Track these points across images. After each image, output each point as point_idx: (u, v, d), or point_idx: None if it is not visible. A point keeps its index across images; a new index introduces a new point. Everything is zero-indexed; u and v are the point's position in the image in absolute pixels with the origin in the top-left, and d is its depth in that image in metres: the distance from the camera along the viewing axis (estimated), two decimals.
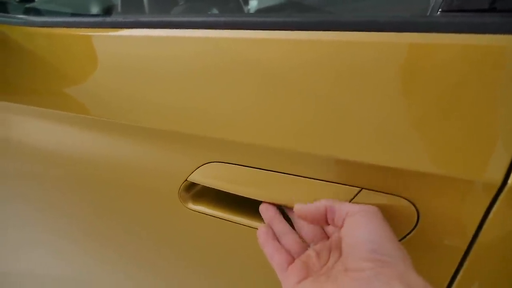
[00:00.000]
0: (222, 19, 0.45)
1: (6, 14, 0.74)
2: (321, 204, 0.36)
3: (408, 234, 0.37)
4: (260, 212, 0.44)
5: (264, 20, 0.41)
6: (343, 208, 0.34)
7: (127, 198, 0.55)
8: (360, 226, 0.31)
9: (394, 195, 0.37)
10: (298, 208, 0.37)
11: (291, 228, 0.42)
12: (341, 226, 0.33)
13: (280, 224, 0.42)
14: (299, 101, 0.38)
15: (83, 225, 0.65)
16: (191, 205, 0.50)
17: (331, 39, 0.36)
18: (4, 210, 0.83)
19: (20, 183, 0.74)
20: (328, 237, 0.40)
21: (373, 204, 0.38)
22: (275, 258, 0.38)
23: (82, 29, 0.59)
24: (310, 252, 0.38)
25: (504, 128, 0.31)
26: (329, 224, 0.36)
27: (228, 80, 0.41)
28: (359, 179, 0.38)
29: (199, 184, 0.49)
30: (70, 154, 0.59)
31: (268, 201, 0.44)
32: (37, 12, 0.97)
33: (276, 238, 0.41)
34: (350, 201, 0.38)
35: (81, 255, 0.71)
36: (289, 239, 0.41)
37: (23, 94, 0.64)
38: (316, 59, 0.36)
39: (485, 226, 0.34)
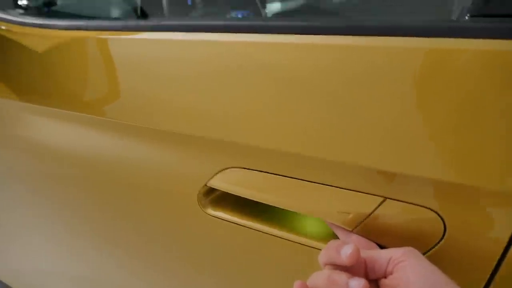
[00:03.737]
0: (244, 22, 0.45)
1: (26, 16, 0.75)
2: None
3: (433, 246, 0.36)
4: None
5: (285, 24, 0.41)
6: (384, 256, 0.32)
7: (145, 202, 0.55)
8: (412, 273, 0.29)
9: (419, 205, 0.36)
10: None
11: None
12: (385, 275, 0.32)
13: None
14: (323, 107, 0.37)
15: (100, 227, 0.65)
16: (210, 210, 0.49)
17: (355, 44, 0.35)
18: (26, 208, 0.84)
19: (38, 184, 0.75)
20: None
21: (397, 215, 0.37)
22: None
23: (102, 32, 0.59)
24: None
25: None
26: (367, 278, 0.33)
27: (249, 84, 0.41)
28: (382, 188, 0.37)
29: (218, 190, 0.49)
30: (89, 156, 0.60)
31: (290, 208, 0.43)
32: (59, 15, 0.99)
33: None
34: (373, 211, 0.37)
35: (97, 257, 0.71)
36: None
37: (46, 96, 0.65)
38: (341, 64, 0.36)
39: None
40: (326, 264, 0.34)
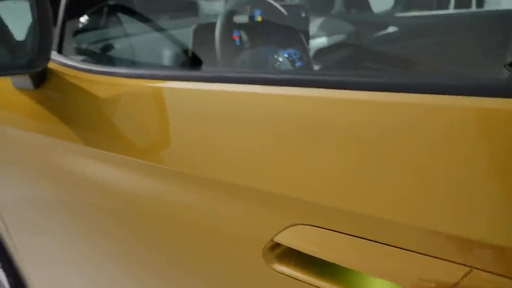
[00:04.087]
0: (314, 77, 0.45)
1: (88, 63, 0.80)
2: None
3: None
4: None
5: (357, 80, 0.41)
6: None
7: (210, 252, 0.56)
8: None
9: (510, 278, 0.34)
10: None
11: None
12: None
13: None
14: (399, 167, 0.36)
15: (161, 274, 0.66)
16: (276, 266, 0.49)
17: (420, 102, 0.35)
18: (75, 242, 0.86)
19: (95, 225, 0.77)
20: None
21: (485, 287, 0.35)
22: None
23: (166, 81, 0.62)
24: None
25: None
26: None
27: (320, 142, 0.41)
28: (470, 258, 0.35)
29: (284, 245, 0.48)
30: (152, 204, 0.61)
31: (364, 271, 0.42)
32: (116, 61, 1.05)
33: None
34: (458, 282, 0.36)
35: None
36: None
37: (111, 141, 0.68)
38: (417, 122, 0.35)
39: None
40: None
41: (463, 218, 0.34)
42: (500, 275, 0.34)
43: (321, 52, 1.56)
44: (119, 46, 1.03)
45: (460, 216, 0.34)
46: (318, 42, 1.62)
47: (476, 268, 0.35)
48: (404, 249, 0.39)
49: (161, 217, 0.61)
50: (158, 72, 0.66)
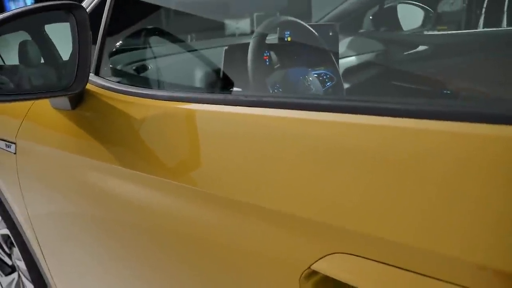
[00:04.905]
0: (355, 103, 0.45)
1: (122, 84, 0.82)
2: None
3: None
4: None
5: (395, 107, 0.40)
6: None
7: (245, 279, 0.55)
8: None
9: None
10: None
11: None
12: None
13: None
14: (446, 195, 0.35)
15: None
16: None
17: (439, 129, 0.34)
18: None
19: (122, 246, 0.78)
20: None
21: None
22: None
23: (198, 103, 0.62)
24: None
25: None
26: None
27: (358, 168, 0.40)
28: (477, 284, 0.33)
29: (321, 273, 0.47)
30: (186, 229, 0.61)
31: None
32: (151, 83, 1.07)
33: None
34: None
35: None
36: None
37: (140, 162, 0.69)
38: (458, 150, 0.34)
39: None
40: None
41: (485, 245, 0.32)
42: None
43: (350, 71, 1.55)
44: (154, 68, 1.06)
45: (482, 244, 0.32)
46: (348, 61, 1.61)
47: None
48: (451, 283, 0.37)
49: (194, 239, 0.60)
50: (191, 95, 0.67)
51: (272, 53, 1.22)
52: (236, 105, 0.57)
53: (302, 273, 0.47)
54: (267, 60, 1.20)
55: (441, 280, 0.37)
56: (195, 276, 0.63)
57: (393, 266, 0.40)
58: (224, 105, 0.59)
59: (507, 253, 0.33)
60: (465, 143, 0.35)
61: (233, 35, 1.49)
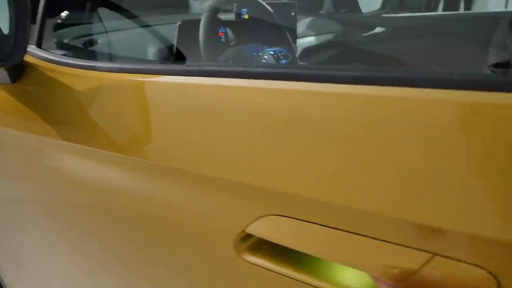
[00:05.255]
0: (294, 70, 0.45)
1: (69, 57, 0.79)
2: None
3: None
4: None
5: (333, 74, 0.41)
6: None
7: (181, 243, 0.55)
8: None
9: (472, 264, 0.34)
10: None
11: None
12: None
13: None
14: (368, 159, 0.37)
15: (133, 266, 0.65)
16: (247, 256, 0.49)
17: (410, 96, 0.35)
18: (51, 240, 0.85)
19: (69, 218, 0.76)
20: None
21: (446, 273, 0.35)
22: None
23: (147, 75, 0.61)
24: None
25: None
26: None
27: (290, 133, 0.41)
28: (432, 244, 0.35)
29: (255, 236, 0.48)
30: (125, 196, 0.61)
31: (331, 260, 0.42)
32: (99, 56, 1.04)
33: None
34: (420, 267, 0.36)
35: None
36: None
37: (87, 136, 0.67)
38: (395, 116, 0.35)
39: None
40: None
41: (426, 206, 0.34)
42: (462, 261, 0.34)
43: (308, 51, 1.57)
44: (103, 42, 1.03)
45: (423, 204, 0.34)
46: (306, 41, 1.62)
47: (439, 255, 0.35)
48: (371, 237, 0.39)
49: (139, 211, 0.60)
50: (140, 66, 0.66)
51: (228, 30, 1.22)
52: (182, 75, 0.56)
53: (237, 237, 0.48)
54: (222, 36, 1.20)
55: (365, 236, 0.39)
56: (138, 248, 0.63)
57: (322, 225, 0.42)
58: (170, 75, 0.59)
59: (416, 204, 0.35)
60: (379, 105, 0.37)
61: (194, 12, 1.46)
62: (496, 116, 0.31)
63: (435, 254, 0.35)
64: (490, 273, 0.33)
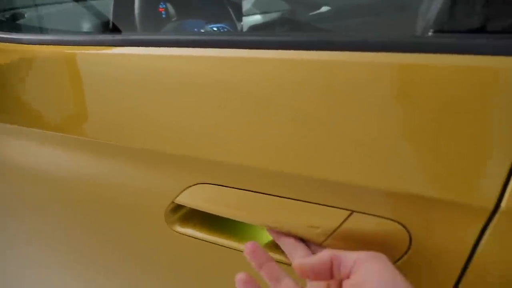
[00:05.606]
0: (215, 37, 0.44)
1: None
2: (325, 255, 0.32)
3: (400, 258, 0.36)
4: (246, 255, 0.39)
5: (257, 39, 0.40)
6: (350, 257, 0.31)
7: (112, 218, 0.54)
8: (375, 274, 0.29)
9: (386, 218, 0.36)
10: (300, 264, 0.32)
11: (284, 272, 0.38)
12: (347, 276, 0.31)
13: (271, 269, 0.38)
14: (288, 122, 0.37)
15: (67, 243, 0.63)
16: (178, 228, 0.48)
17: (321, 58, 0.35)
18: None
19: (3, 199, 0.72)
20: None
21: (364, 228, 0.37)
22: None
23: (71, 47, 0.58)
24: None
25: (496, 150, 0.30)
26: (332, 278, 0.32)
27: (217, 100, 0.41)
28: (349, 202, 0.37)
29: (185, 206, 0.48)
30: (54, 174, 0.58)
31: (258, 224, 0.42)
32: (26, 29, 0.97)
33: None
34: (341, 224, 0.37)
35: (64, 274, 0.69)
36: (284, 283, 0.37)
37: (13, 113, 0.63)
38: (306, 79, 0.35)
39: (478, 251, 0.33)
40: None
41: (344, 166, 0.35)
42: (377, 215, 0.36)
43: (255, 29, 1.55)
44: (31, 15, 0.96)
45: (341, 164, 0.35)
46: (252, 19, 1.60)
47: (356, 211, 0.37)
48: (293, 199, 0.39)
49: (72, 191, 0.57)
50: (64, 38, 0.62)
51: (169, 5, 1.18)
52: (106, 46, 0.54)
53: (167, 208, 0.47)
54: (163, 12, 1.16)
55: (284, 197, 0.40)
56: (73, 218, 0.60)
57: (246, 190, 0.42)
58: (91, 46, 0.55)
59: (331, 163, 0.35)
60: (294, 69, 0.37)
61: None
62: (403, 77, 0.32)
63: (352, 211, 0.37)
64: (402, 225, 0.35)
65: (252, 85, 0.38)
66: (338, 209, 0.37)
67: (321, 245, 0.38)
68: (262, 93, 0.38)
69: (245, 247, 0.39)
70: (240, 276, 0.37)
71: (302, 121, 0.36)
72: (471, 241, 0.33)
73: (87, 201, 0.56)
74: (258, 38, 0.39)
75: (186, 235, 0.48)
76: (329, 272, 0.32)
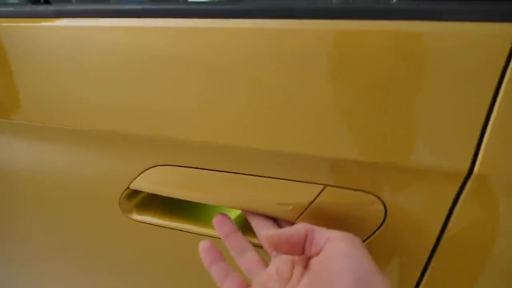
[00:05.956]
0: (162, 7, 0.40)
1: None
2: (300, 228, 0.30)
3: (376, 230, 0.35)
4: (213, 225, 0.38)
5: (202, 8, 0.37)
6: (324, 234, 0.30)
7: (65, 209, 0.48)
8: (345, 254, 0.27)
9: (359, 190, 0.35)
10: (275, 234, 0.30)
11: (250, 244, 0.37)
12: (318, 253, 0.29)
13: (236, 240, 0.37)
14: (244, 94, 0.34)
15: (19, 236, 0.56)
16: (135, 216, 0.44)
17: (271, 27, 0.32)
18: None
19: None
20: None
21: (338, 202, 0.35)
22: (225, 285, 0.33)
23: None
24: (271, 269, 0.33)
25: (467, 116, 0.29)
26: (303, 253, 0.31)
27: (167, 74, 0.36)
28: (320, 176, 0.35)
29: (142, 192, 0.44)
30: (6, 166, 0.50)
31: (223, 205, 0.39)
32: None
33: (222, 257, 0.35)
34: (314, 200, 0.35)
35: (17, 267, 0.61)
36: (248, 257, 0.36)
37: None
38: (258, 48, 0.33)
39: (452, 218, 0.33)
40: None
41: (312, 138, 0.33)
42: (351, 188, 0.35)
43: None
44: None
45: (308, 136, 0.33)
46: None
47: (329, 185, 0.35)
48: (262, 176, 0.37)
49: (25, 181, 0.50)
50: None
51: None
52: (32, 17, 0.46)
53: (122, 195, 0.43)
54: None
55: (255, 175, 0.37)
56: (23, 209, 0.53)
57: (213, 170, 0.39)
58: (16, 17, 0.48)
59: (300, 136, 0.33)
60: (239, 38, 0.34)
61: None
62: (360, 43, 0.30)
63: (325, 185, 0.35)
64: (377, 196, 0.34)
65: (207, 56, 0.35)
66: (310, 184, 0.36)
67: (293, 223, 0.37)
68: (218, 64, 0.34)
69: (213, 218, 0.38)
70: (203, 244, 0.35)
71: (256, 93, 0.33)
72: (446, 208, 0.33)
73: (31, 192, 0.49)
74: (211, 7, 0.36)
75: (144, 222, 0.44)
76: (302, 246, 0.30)
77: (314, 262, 0.29)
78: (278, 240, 0.30)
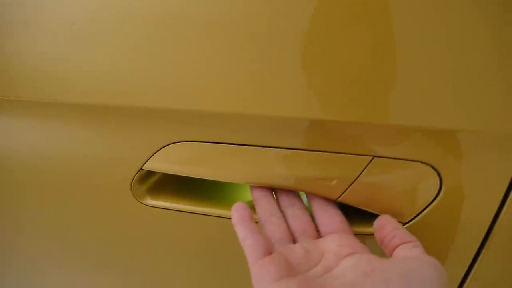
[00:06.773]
0: None
1: None
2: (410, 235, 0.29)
3: (430, 204, 0.32)
4: (250, 190, 0.35)
5: None
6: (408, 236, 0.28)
7: (68, 197, 0.42)
8: (435, 266, 0.25)
9: (411, 160, 0.31)
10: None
11: (280, 213, 0.34)
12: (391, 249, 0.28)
13: (267, 205, 0.34)
14: (279, 57, 0.29)
15: (22, 226, 0.50)
16: (148, 200, 0.39)
17: None
18: None
19: None
20: (318, 237, 0.33)
21: (388, 174, 0.32)
22: (247, 241, 0.28)
23: None
24: (297, 247, 0.30)
25: None
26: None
27: (180, 38, 0.31)
28: (367, 147, 0.31)
29: (154, 175, 0.39)
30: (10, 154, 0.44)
31: (250, 181, 0.35)
32: None
33: (253, 220, 0.31)
34: (362, 172, 0.31)
35: (30, 261, 0.55)
36: (276, 225, 0.32)
37: None
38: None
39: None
40: None
41: (355, 104, 0.29)
42: (401, 158, 0.31)
43: None
44: None
45: (351, 102, 0.29)
46: None
47: (378, 156, 0.32)
48: (297, 149, 0.33)
49: (11, 159, 0.44)
50: None
51: None
52: None
53: (134, 178, 0.38)
54: None
55: (296, 149, 0.33)
56: (27, 202, 0.46)
57: (239, 144, 0.34)
58: None
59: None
60: None
61: None
62: None
63: (374, 156, 0.31)
64: (432, 166, 0.31)
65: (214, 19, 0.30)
66: (356, 156, 0.32)
67: (336, 200, 0.33)
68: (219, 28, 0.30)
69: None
70: (237, 204, 0.32)
71: (301, 57, 0.29)
72: (506, 182, 0.30)
73: (31, 178, 0.43)
74: None
75: (158, 207, 0.39)
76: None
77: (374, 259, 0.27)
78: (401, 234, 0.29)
